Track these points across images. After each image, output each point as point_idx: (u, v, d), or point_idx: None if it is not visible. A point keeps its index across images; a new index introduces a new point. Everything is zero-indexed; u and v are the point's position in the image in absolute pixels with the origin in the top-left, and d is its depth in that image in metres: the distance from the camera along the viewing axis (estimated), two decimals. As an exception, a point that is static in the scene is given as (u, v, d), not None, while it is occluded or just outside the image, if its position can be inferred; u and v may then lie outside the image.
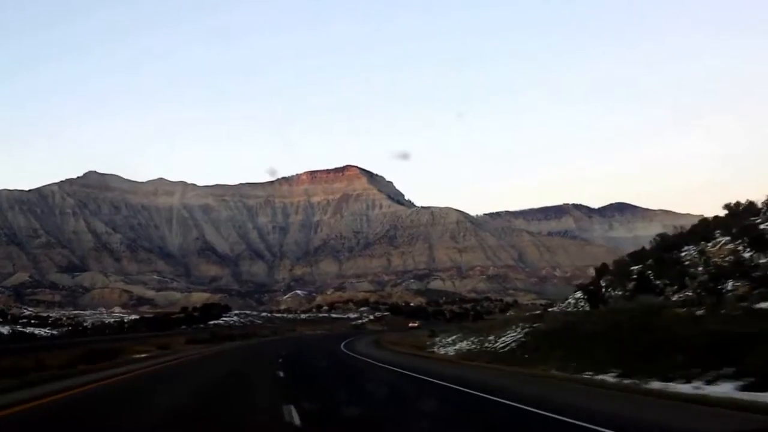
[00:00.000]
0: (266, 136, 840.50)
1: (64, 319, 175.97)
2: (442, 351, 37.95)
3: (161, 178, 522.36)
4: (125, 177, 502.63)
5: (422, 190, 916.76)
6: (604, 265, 50.26)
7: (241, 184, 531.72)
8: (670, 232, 47.01)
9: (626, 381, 16.51)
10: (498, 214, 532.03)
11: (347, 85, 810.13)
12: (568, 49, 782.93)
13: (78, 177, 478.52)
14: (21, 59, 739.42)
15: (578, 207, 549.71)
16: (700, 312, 20.55)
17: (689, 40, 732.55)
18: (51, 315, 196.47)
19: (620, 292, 39.30)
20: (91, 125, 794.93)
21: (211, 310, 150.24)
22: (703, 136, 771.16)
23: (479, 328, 43.25)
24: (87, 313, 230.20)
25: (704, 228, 38.34)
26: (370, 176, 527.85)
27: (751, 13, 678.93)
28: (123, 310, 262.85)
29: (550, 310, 49.78)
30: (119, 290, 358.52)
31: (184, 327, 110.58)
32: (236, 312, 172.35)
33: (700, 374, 15.14)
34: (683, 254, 37.29)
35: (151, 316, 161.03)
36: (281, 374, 22.35)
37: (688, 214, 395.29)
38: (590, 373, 18.50)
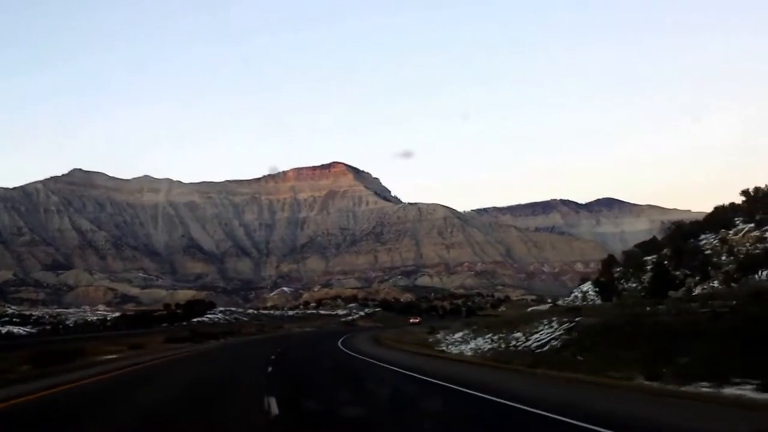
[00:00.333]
0: (252, 133, 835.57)
1: (47, 317, 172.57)
2: (454, 350, 34.65)
3: (146, 176, 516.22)
4: (110, 174, 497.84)
5: (409, 187, 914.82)
6: (611, 256, 48.59)
7: (227, 181, 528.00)
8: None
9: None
10: (485, 210, 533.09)
11: (333, 82, 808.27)
12: (555, 46, 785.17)
13: (63, 175, 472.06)
14: (4, 58, 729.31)
15: (566, 203, 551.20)
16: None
17: (674, 36, 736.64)
18: (34, 313, 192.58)
19: (635, 284, 37.71)
20: (76, 123, 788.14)
21: (195, 308, 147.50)
22: (690, 131, 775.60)
23: (493, 324, 40.45)
24: (70, 311, 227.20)
25: (722, 216, 36.49)
26: (357, 173, 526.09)
27: (729, 11, 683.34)
28: (107, 308, 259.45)
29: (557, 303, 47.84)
30: (104, 288, 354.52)
31: (165, 325, 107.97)
32: (221, 309, 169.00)
33: None
34: (702, 243, 35.70)
35: (132, 313, 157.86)
36: (272, 404, 13.09)
37: (675, 209, 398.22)
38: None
